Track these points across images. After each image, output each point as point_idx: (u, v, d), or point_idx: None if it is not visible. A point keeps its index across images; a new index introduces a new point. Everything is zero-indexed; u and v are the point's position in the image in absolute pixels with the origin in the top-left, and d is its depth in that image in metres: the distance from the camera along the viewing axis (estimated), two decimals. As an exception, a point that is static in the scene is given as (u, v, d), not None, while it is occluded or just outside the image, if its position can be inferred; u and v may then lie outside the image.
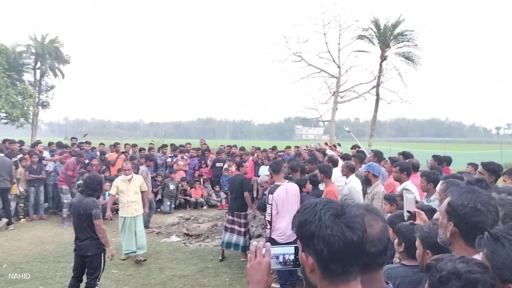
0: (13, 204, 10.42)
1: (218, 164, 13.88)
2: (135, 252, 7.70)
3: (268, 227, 6.19)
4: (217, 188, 13.67)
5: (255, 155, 14.02)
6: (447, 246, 1.94)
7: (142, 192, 8.03)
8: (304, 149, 10.81)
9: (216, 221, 10.88)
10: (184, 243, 9.01)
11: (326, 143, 12.16)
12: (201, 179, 13.90)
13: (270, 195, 6.20)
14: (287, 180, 6.45)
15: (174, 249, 8.58)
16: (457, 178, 4.26)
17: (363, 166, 6.77)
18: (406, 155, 8.33)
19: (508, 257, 1.46)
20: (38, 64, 33.28)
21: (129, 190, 7.79)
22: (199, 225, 10.59)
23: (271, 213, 6.09)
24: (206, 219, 11.36)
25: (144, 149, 14.20)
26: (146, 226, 10.06)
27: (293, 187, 6.26)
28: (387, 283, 1.62)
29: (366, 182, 6.36)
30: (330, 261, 1.28)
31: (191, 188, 13.41)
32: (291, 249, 1.46)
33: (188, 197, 13.15)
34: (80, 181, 11.11)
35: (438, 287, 1.50)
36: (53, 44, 33.88)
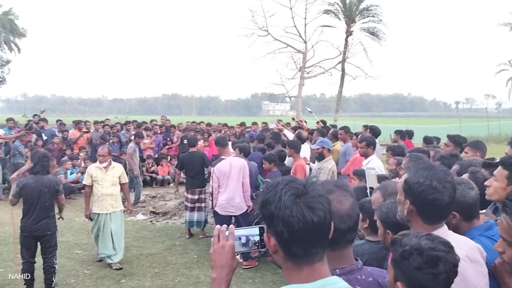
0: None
1: (185, 141, 13.71)
2: (110, 257, 6.37)
3: (210, 199, 6.31)
4: (184, 165, 13.52)
5: (222, 132, 13.93)
6: (405, 223, 1.94)
7: (122, 185, 6.61)
8: (273, 127, 10.80)
9: (183, 198, 10.78)
10: (151, 221, 8.92)
11: (293, 118, 12.23)
12: (168, 157, 13.73)
13: (212, 168, 6.36)
14: (233, 154, 6.54)
15: (141, 227, 8.48)
16: (422, 152, 4.33)
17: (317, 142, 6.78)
18: (372, 128, 8.48)
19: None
20: (-8, 38, 31.71)
21: (105, 181, 6.34)
22: (166, 202, 10.47)
23: (212, 186, 6.29)
24: (173, 196, 11.22)
25: (108, 125, 13.88)
26: (136, 202, 9.97)
27: (238, 162, 6.34)
28: (357, 260, 1.60)
29: (320, 157, 6.39)
30: (291, 242, 1.23)
31: (157, 165, 13.22)
32: (255, 230, 1.42)
33: (154, 175, 12.97)
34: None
35: (400, 262, 1.49)
36: (7, 16, 32.28)
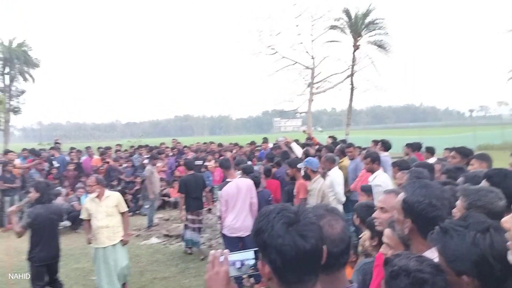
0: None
1: (197, 162, 13.82)
2: None
3: (219, 222, 6.33)
4: (196, 186, 13.60)
5: (233, 151, 13.99)
6: (405, 241, 1.96)
7: (122, 214, 6.05)
8: (282, 140, 10.80)
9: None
10: (164, 245, 8.95)
11: (304, 131, 12.27)
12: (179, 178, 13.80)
13: (218, 191, 6.36)
14: (239, 176, 6.53)
15: (154, 251, 8.52)
16: (425, 166, 4.33)
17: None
18: (383, 142, 8.51)
19: (457, 248, 1.47)
20: (7, 69, 32.49)
21: (99, 212, 5.83)
22: (179, 225, 10.51)
23: (220, 210, 6.26)
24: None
25: (120, 150, 14.12)
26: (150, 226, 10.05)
27: (245, 183, 6.29)
28: (351, 283, 1.63)
29: (306, 177, 6.35)
30: (285, 270, 1.26)
31: (170, 187, 13.31)
32: (250, 254, 1.44)
33: (166, 198, 13.04)
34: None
35: (390, 282, 1.52)
36: (21, 48, 33.15)
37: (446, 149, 8.42)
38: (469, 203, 2.33)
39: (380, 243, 2.81)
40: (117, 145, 15.35)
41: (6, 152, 12.02)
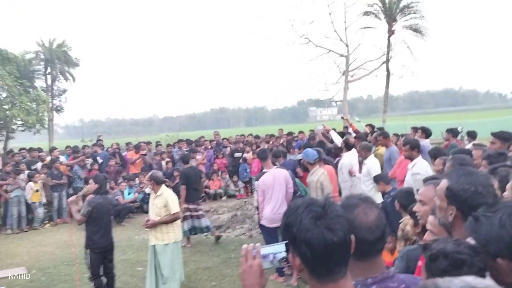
0: (40, 211, 10.76)
1: (236, 154, 14.03)
2: None
3: (256, 213, 6.35)
4: (235, 178, 13.81)
5: (270, 142, 14.06)
6: (447, 228, 1.97)
7: (173, 215, 5.81)
8: (320, 129, 10.71)
9: (236, 211, 11.01)
10: (206, 235, 9.15)
11: (342, 117, 12.15)
12: (219, 171, 14.03)
13: (255, 182, 6.37)
14: (275, 166, 6.54)
15: (196, 242, 8.73)
16: (463, 153, 4.26)
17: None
18: (423, 129, 8.38)
19: (487, 232, 1.49)
20: (48, 70, 33.61)
21: (150, 209, 5.98)
22: (219, 216, 10.73)
23: (257, 200, 6.29)
24: (226, 209, 11.50)
25: (161, 144, 14.50)
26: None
27: (281, 173, 6.30)
28: (388, 268, 1.68)
29: (304, 169, 6.30)
30: (314, 262, 1.32)
31: (209, 180, 13.55)
32: (281, 247, 1.48)
33: (207, 189, 13.29)
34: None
35: (429, 265, 1.55)
36: (61, 48, 34.14)
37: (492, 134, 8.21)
38: None
39: (424, 230, 2.83)
40: (157, 141, 15.67)
41: (52, 149, 12.56)
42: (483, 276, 1.50)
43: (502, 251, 1.46)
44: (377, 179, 6.04)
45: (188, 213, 8.34)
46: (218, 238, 8.62)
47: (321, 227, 1.30)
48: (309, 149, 6.54)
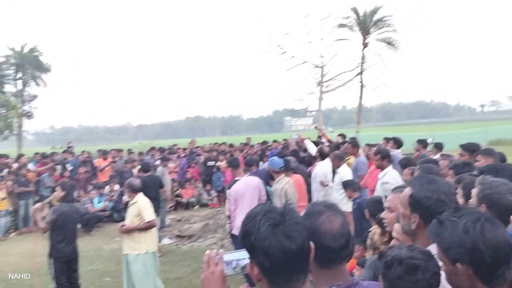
0: (3, 220, 10.37)
1: (209, 163, 13.94)
2: None
3: (228, 222, 6.28)
4: (208, 186, 13.70)
5: (244, 151, 14.05)
6: (411, 236, 1.98)
7: (147, 223, 5.67)
8: (294, 139, 10.76)
9: (208, 220, 10.89)
10: (177, 245, 9.03)
11: (315, 127, 12.28)
12: (192, 179, 13.90)
13: (228, 190, 6.30)
14: (247, 174, 6.48)
15: (167, 251, 8.58)
16: (431, 162, 4.34)
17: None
18: (395, 140, 8.50)
19: (450, 236, 1.50)
20: (19, 75, 32.93)
21: (126, 218, 5.87)
22: (191, 225, 10.60)
23: (229, 208, 6.20)
24: (198, 219, 11.36)
25: (133, 151, 14.27)
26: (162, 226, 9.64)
27: (253, 181, 6.23)
28: (352, 275, 1.67)
29: (270, 178, 6.33)
30: (273, 271, 1.28)
31: (182, 188, 13.40)
32: (245, 254, 1.43)
33: (179, 198, 13.14)
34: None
35: (385, 272, 1.56)
36: (33, 53, 33.56)
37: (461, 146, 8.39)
38: (480, 191, 2.36)
39: (391, 239, 2.85)
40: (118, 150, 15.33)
41: (19, 156, 12.23)
42: (437, 280, 1.51)
43: (463, 256, 1.46)
44: (345, 185, 6.13)
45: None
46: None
47: (279, 235, 1.26)
48: (275, 158, 6.52)
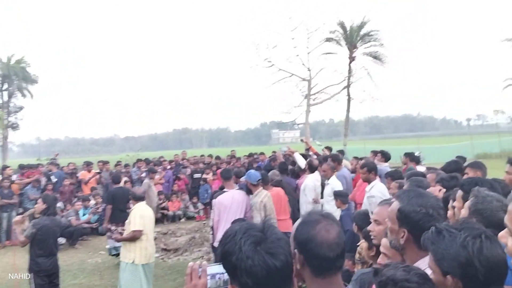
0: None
1: (195, 175, 13.82)
2: None
3: (211, 233, 6.19)
4: (194, 199, 13.58)
5: (231, 164, 13.98)
6: (399, 251, 1.95)
7: (131, 232, 5.71)
8: (283, 152, 10.71)
9: (194, 233, 10.78)
10: (162, 259, 8.90)
11: (301, 140, 12.26)
12: (178, 192, 13.77)
13: (213, 200, 6.21)
14: (236, 187, 6.40)
15: (152, 265, 8.44)
16: (418, 175, 4.34)
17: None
18: (383, 153, 8.51)
19: (447, 247, 1.48)
20: (5, 86, 32.61)
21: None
22: (177, 238, 10.47)
23: (213, 219, 6.10)
24: (184, 232, 11.25)
25: (121, 163, 14.06)
26: None
27: (240, 195, 6.15)
28: (346, 286, 1.63)
29: (247, 191, 6.28)
30: None
31: (168, 201, 13.26)
32: None
33: (165, 211, 12.99)
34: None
35: None
36: (20, 64, 33.31)
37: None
38: (473, 204, 2.35)
39: (378, 253, 2.82)
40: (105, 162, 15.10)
41: (4, 168, 12.01)
42: None
43: (455, 270, 1.45)
44: (336, 195, 6.05)
45: (110, 233, 8.38)
46: None
47: (262, 253, 1.22)
48: (252, 171, 6.43)
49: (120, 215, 8.24)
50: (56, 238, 5.69)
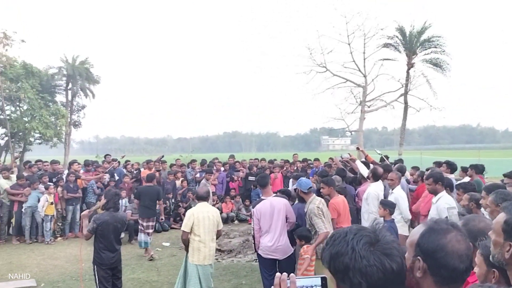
0: (49, 225, 10.66)
1: (250, 178, 13.89)
2: None
3: (253, 241, 6.11)
4: (247, 202, 13.67)
5: (284, 168, 13.95)
6: (503, 266, 1.83)
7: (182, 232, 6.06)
8: (340, 159, 10.56)
9: (248, 236, 10.85)
10: (217, 259, 9.00)
11: (357, 148, 11.98)
12: (231, 194, 13.91)
13: (252, 209, 6.12)
14: (274, 194, 6.23)
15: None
16: (500, 187, 4.14)
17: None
18: (449, 164, 8.19)
19: None
20: (70, 85, 34.27)
21: None
22: (231, 240, 10.59)
23: (253, 228, 5.97)
24: (237, 233, 11.36)
25: (175, 164, 14.41)
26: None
27: (280, 201, 5.93)
28: None
29: (300, 199, 6.09)
30: None
31: (222, 202, 13.43)
32: (317, 280, 1.37)
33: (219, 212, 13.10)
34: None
35: None
36: (84, 65, 34.91)
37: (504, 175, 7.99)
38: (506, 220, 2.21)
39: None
40: (162, 161, 15.48)
41: (72, 162, 12.56)
42: None
43: None
44: (384, 204, 5.78)
45: (143, 229, 9.20)
46: (151, 259, 8.99)
47: (377, 253, 1.20)
48: (303, 179, 6.20)
49: (146, 211, 9.26)
50: (118, 233, 5.87)
